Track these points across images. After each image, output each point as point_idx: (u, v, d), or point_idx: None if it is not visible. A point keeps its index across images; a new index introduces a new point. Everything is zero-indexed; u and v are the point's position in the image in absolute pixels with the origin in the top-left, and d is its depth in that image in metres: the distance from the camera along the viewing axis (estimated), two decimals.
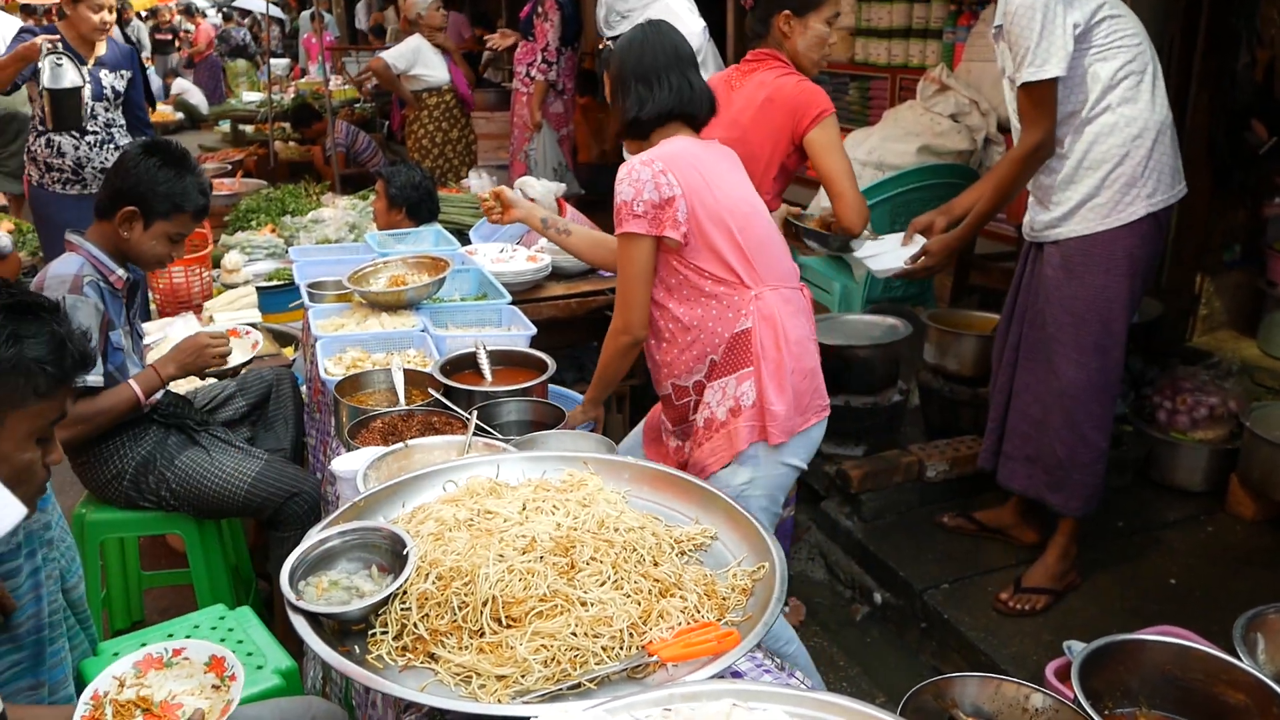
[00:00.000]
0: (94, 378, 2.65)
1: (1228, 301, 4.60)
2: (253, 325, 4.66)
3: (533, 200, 4.27)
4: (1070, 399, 3.13)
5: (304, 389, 3.47)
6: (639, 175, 2.40)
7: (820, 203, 5.30)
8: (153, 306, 5.20)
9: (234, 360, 3.12)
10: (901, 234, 3.30)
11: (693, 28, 4.42)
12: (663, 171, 2.39)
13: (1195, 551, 3.60)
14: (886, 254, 3.25)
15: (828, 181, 3.02)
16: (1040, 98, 2.89)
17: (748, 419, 2.44)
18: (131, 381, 2.77)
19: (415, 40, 7.32)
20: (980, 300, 4.75)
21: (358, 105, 10.65)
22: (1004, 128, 4.90)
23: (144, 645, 1.92)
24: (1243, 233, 4.48)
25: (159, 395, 2.94)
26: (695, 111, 2.56)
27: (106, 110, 4.83)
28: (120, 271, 2.80)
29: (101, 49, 4.75)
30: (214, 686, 1.87)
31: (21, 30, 5.10)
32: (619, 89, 2.57)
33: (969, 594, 3.40)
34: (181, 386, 3.55)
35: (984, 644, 3.15)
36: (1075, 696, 1.57)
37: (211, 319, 4.75)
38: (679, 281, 2.50)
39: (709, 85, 2.65)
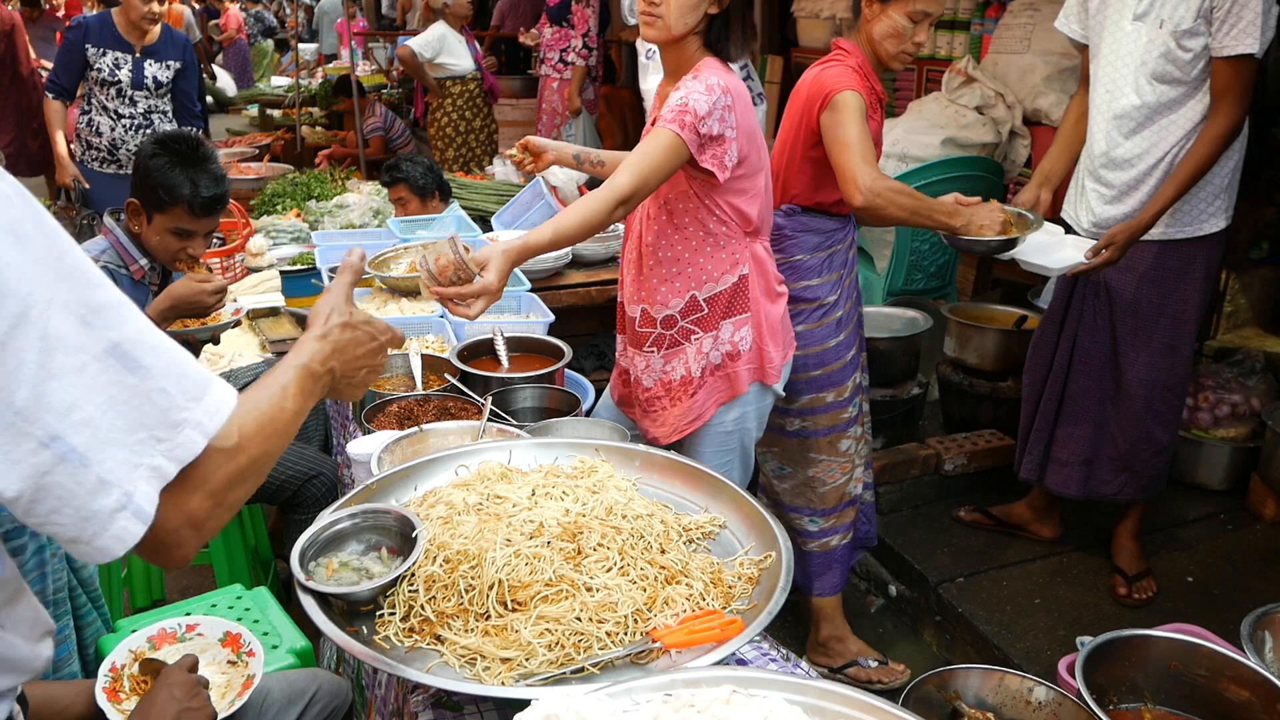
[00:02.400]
0: None
1: (1254, 298, 4.55)
2: (275, 309, 4.71)
3: (556, 187, 4.29)
4: (1137, 400, 3.14)
5: None
6: (716, 100, 2.32)
7: None
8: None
9: (217, 322, 3.04)
10: (1049, 224, 3.06)
11: None
12: (729, 108, 2.35)
13: (1214, 550, 3.58)
14: (1054, 251, 2.98)
15: (829, 155, 2.77)
16: (1246, 73, 2.79)
17: (747, 362, 2.60)
18: None
19: (440, 28, 7.32)
20: (1003, 294, 4.72)
21: (385, 91, 10.68)
22: (1029, 120, 4.86)
23: (159, 622, 1.95)
24: (1270, 229, 4.43)
25: None
26: (737, 57, 2.50)
27: (147, 98, 4.97)
28: (142, 262, 2.81)
29: (153, 37, 4.85)
30: (230, 662, 1.91)
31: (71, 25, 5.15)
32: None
33: (984, 588, 3.39)
34: (211, 368, 3.58)
35: (998, 638, 3.15)
36: (1078, 690, 1.57)
37: (235, 300, 4.79)
38: (690, 218, 2.50)
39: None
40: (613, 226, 3.54)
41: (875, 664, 3.19)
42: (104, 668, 1.80)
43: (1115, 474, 3.26)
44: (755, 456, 2.83)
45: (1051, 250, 2.98)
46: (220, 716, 1.72)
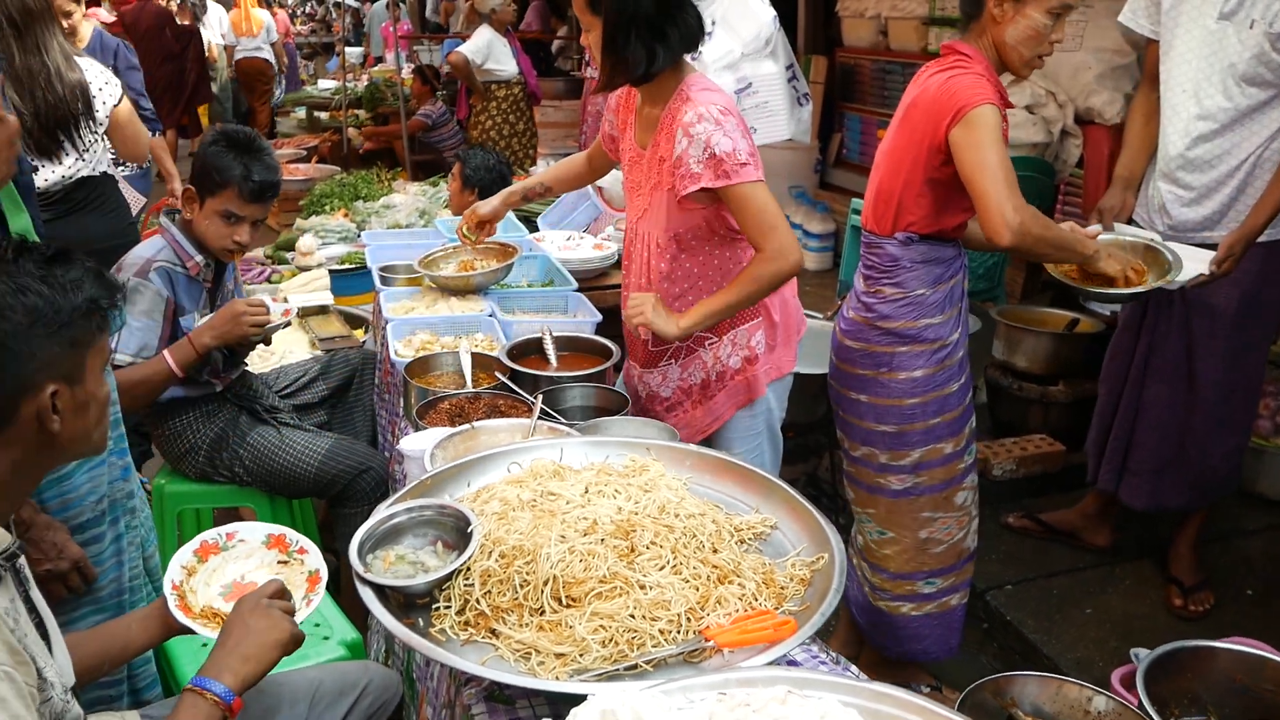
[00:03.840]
0: (121, 356, 2.70)
1: None
2: (324, 307, 4.77)
3: (602, 188, 4.31)
4: (1210, 403, 3.10)
5: (375, 371, 3.53)
6: (729, 126, 2.34)
7: None
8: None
9: (269, 323, 3.00)
10: (1180, 248, 2.85)
11: (764, 16, 4.39)
12: (741, 123, 2.39)
13: (1276, 563, 3.51)
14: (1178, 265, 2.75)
15: (967, 182, 2.42)
16: None
17: (764, 365, 2.61)
18: (166, 353, 2.76)
19: (486, 33, 7.39)
20: (1054, 297, 4.67)
21: (439, 93, 10.79)
22: (1080, 119, 4.80)
23: (199, 536, 1.96)
24: None
25: (233, 373, 3.02)
26: (700, 41, 2.46)
27: None
28: (198, 258, 2.87)
29: (82, 42, 4.49)
30: (280, 562, 1.92)
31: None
32: (620, 37, 2.35)
33: (1032, 596, 3.35)
34: (262, 365, 3.63)
35: (1047, 647, 3.11)
36: (1140, 701, 1.54)
37: (285, 300, 4.85)
38: (699, 240, 2.53)
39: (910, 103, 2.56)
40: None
41: (927, 689, 3.11)
42: (166, 588, 1.82)
43: (1185, 486, 3.20)
44: (854, 513, 2.82)
45: (1182, 267, 2.77)
46: (299, 618, 1.74)
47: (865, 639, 2.97)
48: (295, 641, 1.65)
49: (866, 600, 2.90)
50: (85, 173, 3.59)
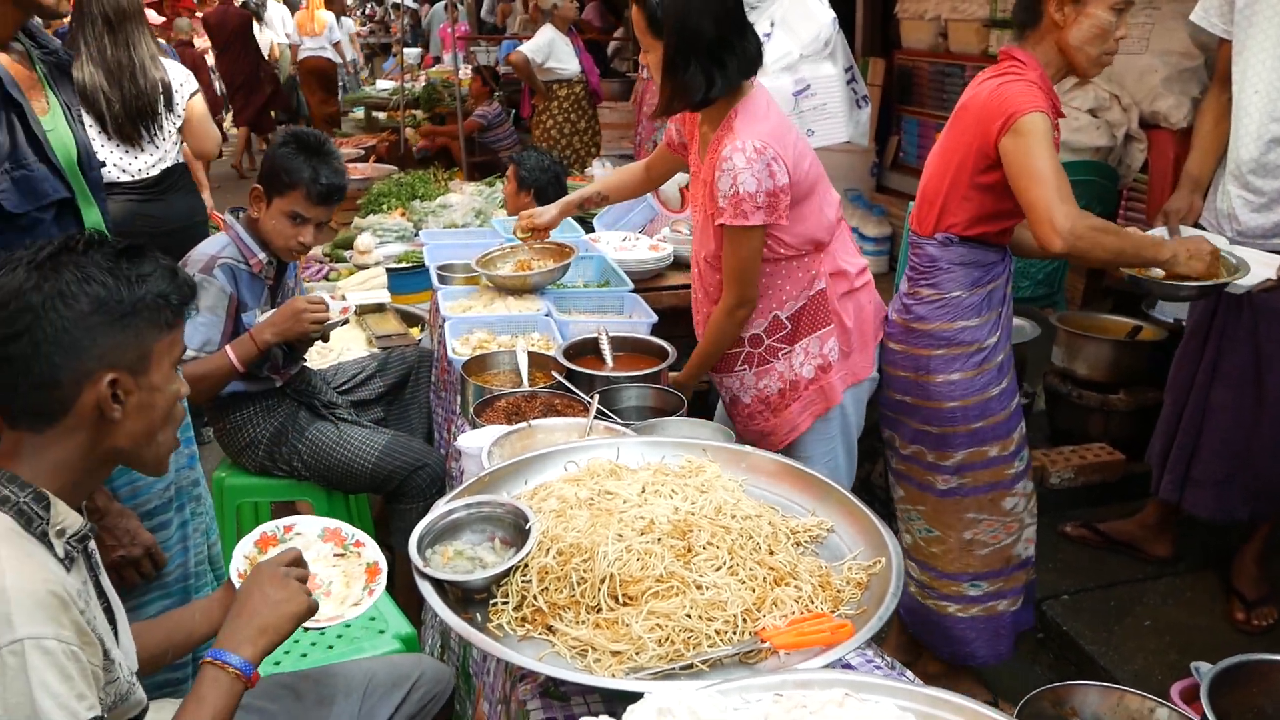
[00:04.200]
0: (187, 351, 2.76)
1: None
2: (381, 305, 4.83)
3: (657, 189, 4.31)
4: (1278, 411, 3.02)
5: (432, 369, 3.57)
6: (759, 166, 2.39)
7: None
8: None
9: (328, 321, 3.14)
10: (1248, 251, 2.77)
11: (823, 18, 4.37)
12: (775, 159, 2.41)
13: None
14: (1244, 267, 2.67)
15: (1016, 189, 2.40)
16: None
17: (838, 372, 2.64)
18: (228, 348, 2.82)
19: (549, 32, 7.43)
20: (1115, 304, 4.58)
21: (497, 94, 10.89)
22: (1145, 123, 4.71)
23: (259, 528, 1.99)
24: None
25: (293, 369, 3.07)
26: (758, 68, 2.51)
27: None
28: (261, 255, 2.92)
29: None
30: (337, 555, 1.95)
31: None
32: (680, 61, 2.42)
33: (1090, 607, 3.30)
34: (320, 361, 3.69)
35: (1104, 659, 3.06)
36: (1204, 715, 1.52)
37: (344, 298, 4.92)
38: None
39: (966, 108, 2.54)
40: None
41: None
42: (233, 578, 1.85)
43: (1250, 496, 3.13)
44: (899, 513, 2.82)
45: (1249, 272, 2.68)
46: (362, 609, 1.79)
47: (916, 638, 2.96)
48: (310, 612, 1.66)
49: (914, 599, 2.90)
50: (169, 163, 3.93)
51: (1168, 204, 3.05)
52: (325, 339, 3.13)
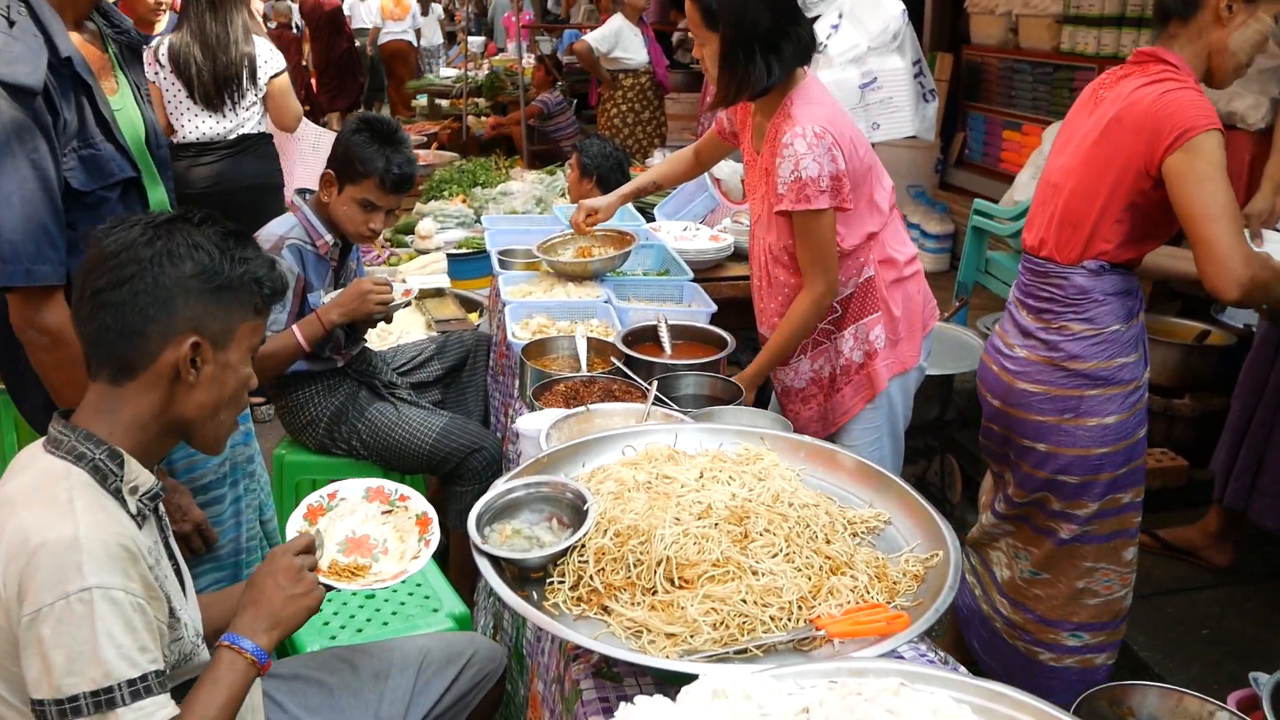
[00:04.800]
0: None
1: None
2: (441, 290, 4.89)
3: (720, 179, 4.31)
4: None
5: (490, 353, 3.60)
6: (820, 151, 2.38)
7: (1013, 196, 5.13)
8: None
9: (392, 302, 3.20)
10: None
11: (892, 10, 4.33)
12: (835, 144, 2.41)
13: None
14: None
15: (1185, 222, 2.17)
16: None
17: (884, 359, 2.61)
18: (295, 328, 2.87)
19: (617, 21, 7.45)
20: (1183, 307, 4.49)
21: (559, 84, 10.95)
22: (1227, 124, 4.60)
23: (304, 500, 2.02)
24: None
25: (354, 349, 3.12)
26: (813, 54, 2.51)
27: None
28: (328, 237, 2.97)
29: (161, 27, 4.85)
30: (384, 512, 1.97)
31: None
32: (738, 53, 2.40)
33: (1146, 614, 3.24)
34: (380, 344, 3.75)
35: (1160, 666, 3.01)
36: (1261, 712, 1.49)
37: (404, 280, 4.99)
38: None
39: (1072, 107, 2.46)
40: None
41: None
42: None
43: None
44: (1006, 548, 2.69)
45: None
46: (420, 563, 1.83)
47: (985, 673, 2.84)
48: (319, 604, 1.68)
49: (999, 637, 2.73)
50: (245, 130, 4.34)
51: (1249, 207, 2.97)
52: (389, 320, 3.18)
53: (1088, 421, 2.40)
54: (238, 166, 4.37)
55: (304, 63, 11.30)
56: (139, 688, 1.35)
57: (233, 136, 4.31)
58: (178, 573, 1.60)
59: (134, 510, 1.48)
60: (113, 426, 1.49)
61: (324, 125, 7.82)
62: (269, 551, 1.76)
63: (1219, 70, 2.29)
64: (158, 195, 2.09)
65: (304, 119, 5.05)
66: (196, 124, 4.26)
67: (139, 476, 1.50)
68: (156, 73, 4.18)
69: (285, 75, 4.46)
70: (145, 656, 1.37)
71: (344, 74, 11.37)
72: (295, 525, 1.93)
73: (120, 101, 2.01)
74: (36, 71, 1.75)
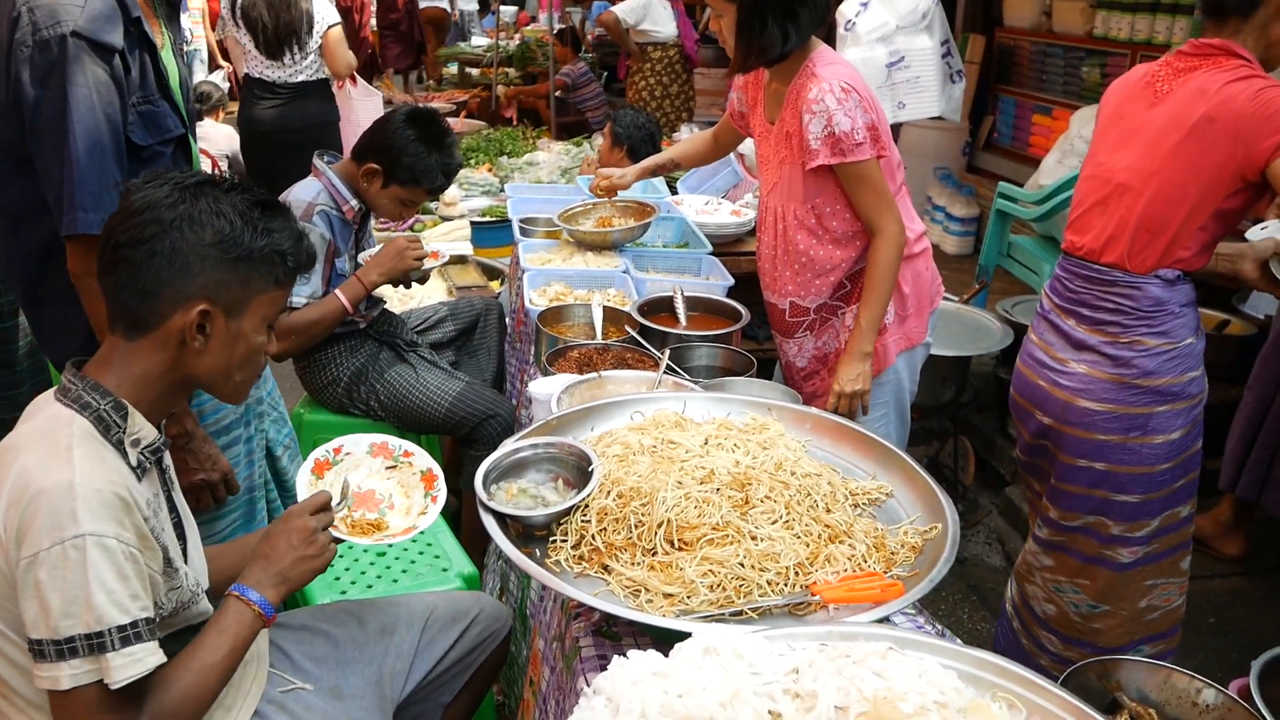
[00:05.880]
0: (297, 299, 2.85)
1: None
2: (464, 257, 4.91)
3: (743, 154, 4.31)
4: None
5: (508, 320, 3.64)
6: (851, 105, 2.38)
7: (1039, 180, 5.09)
8: (375, 235, 5.54)
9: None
10: None
11: None
12: (865, 97, 2.42)
13: None
14: None
15: None
16: None
17: (893, 335, 2.61)
18: (338, 292, 2.91)
19: None
20: (1204, 296, 4.46)
21: (583, 56, 10.91)
22: None
23: (311, 454, 2.03)
24: None
25: (374, 311, 3.16)
26: (828, 18, 2.51)
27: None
28: (354, 203, 2.99)
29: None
30: (389, 467, 2.00)
31: None
32: (755, 22, 2.40)
33: None
34: (400, 307, 3.79)
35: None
36: (1252, 699, 1.51)
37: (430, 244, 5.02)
38: (839, 219, 2.55)
39: (1115, 96, 2.41)
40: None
41: None
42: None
43: None
44: (1043, 581, 2.60)
45: None
46: (428, 521, 1.85)
47: None
48: (327, 566, 1.71)
49: (1047, 674, 2.61)
50: (303, 77, 4.99)
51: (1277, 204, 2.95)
52: (423, 280, 3.23)
53: (1154, 439, 2.30)
54: (300, 108, 5.02)
55: (367, 21, 11.42)
56: (129, 633, 1.39)
57: (295, 81, 4.97)
58: (178, 525, 1.63)
59: (134, 462, 1.50)
60: (121, 379, 1.51)
61: (378, 86, 8.04)
62: (286, 509, 1.78)
63: (1276, 63, 2.20)
64: (194, 149, 2.17)
65: (362, 82, 5.89)
66: (263, 70, 4.93)
67: (142, 429, 1.52)
68: (226, 26, 4.88)
69: (339, 27, 5.07)
70: (136, 604, 1.40)
71: (404, 36, 11.55)
72: (304, 480, 1.95)
73: (166, 58, 2.07)
74: (118, 30, 1.84)
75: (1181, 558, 2.48)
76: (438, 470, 1.96)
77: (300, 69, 4.96)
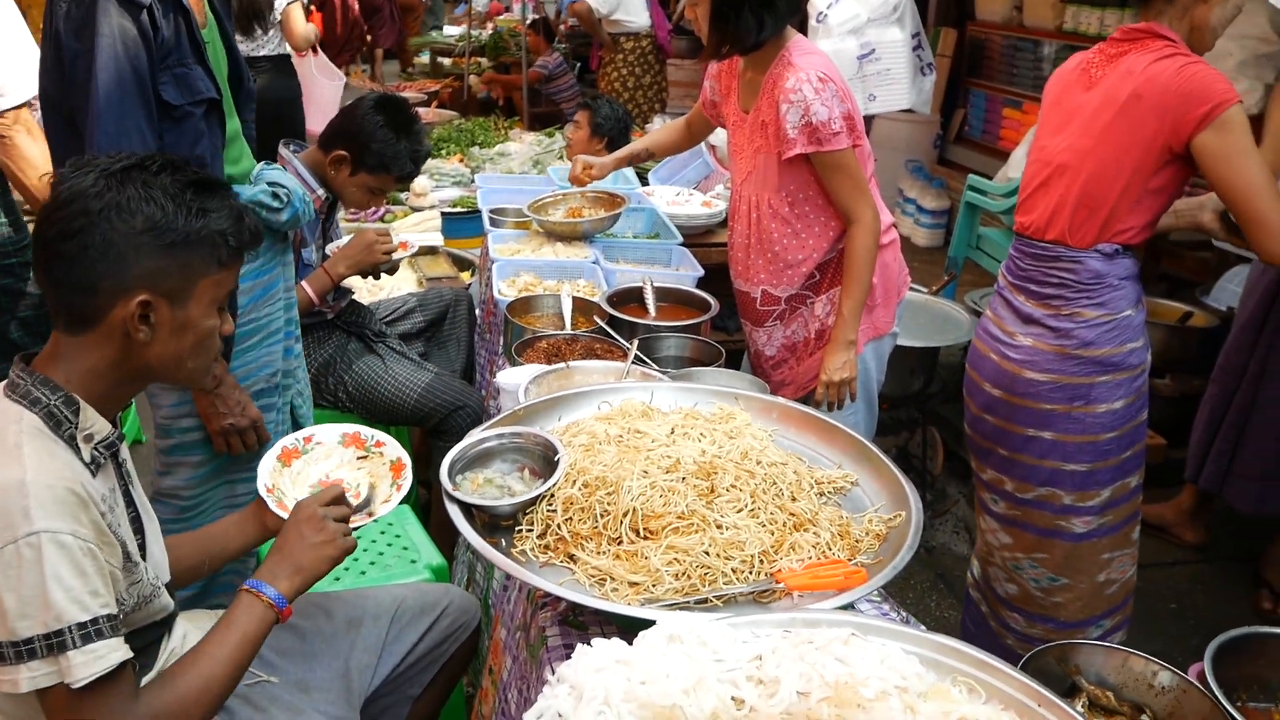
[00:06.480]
0: None
1: None
2: (434, 248, 4.89)
3: (715, 146, 4.31)
4: None
5: (478, 311, 3.63)
6: (828, 95, 2.41)
7: (1007, 173, 5.14)
8: (343, 225, 5.51)
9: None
10: None
11: None
12: (841, 87, 2.45)
13: None
14: None
15: (1232, 202, 2.16)
16: None
17: (861, 325, 2.61)
18: (304, 284, 2.89)
19: None
20: (1169, 289, 4.52)
21: (556, 46, 10.87)
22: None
23: (279, 442, 2.01)
24: None
25: (342, 301, 3.14)
26: (802, 7, 2.57)
27: None
28: (321, 192, 2.97)
29: None
30: (360, 458, 1.98)
31: None
32: (730, 10, 2.42)
33: None
34: (369, 298, 3.77)
35: (1128, 640, 3.05)
36: (1207, 681, 1.53)
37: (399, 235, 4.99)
38: (811, 206, 2.58)
39: (1056, 84, 2.48)
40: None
41: None
42: (261, 492, 1.85)
43: None
44: (1000, 561, 2.67)
45: None
46: (392, 505, 1.84)
47: None
48: (345, 554, 1.70)
49: (1014, 655, 2.54)
50: (265, 51, 5.23)
51: None
52: (391, 272, 3.21)
53: (1097, 408, 2.38)
54: (262, 82, 4.97)
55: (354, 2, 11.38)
56: (89, 630, 1.35)
57: (258, 55, 5.16)
58: (136, 520, 1.60)
59: (88, 458, 1.46)
60: (70, 374, 1.47)
61: (349, 72, 8.12)
62: (297, 502, 1.76)
63: (1199, 46, 2.29)
64: (233, 125, 2.22)
65: (324, 58, 6.12)
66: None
67: (94, 424, 1.48)
68: None
69: (298, 5, 5.35)
70: (96, 600, 1.37)
71: (389, 19, 11.53)
72: (267, 467, 1.91)
73: (209, 35, 2.14)
74: None
75: (1132, 528, 2.56)
76: (407, 460, 1.95)
77: (262, 43, 5.20)
